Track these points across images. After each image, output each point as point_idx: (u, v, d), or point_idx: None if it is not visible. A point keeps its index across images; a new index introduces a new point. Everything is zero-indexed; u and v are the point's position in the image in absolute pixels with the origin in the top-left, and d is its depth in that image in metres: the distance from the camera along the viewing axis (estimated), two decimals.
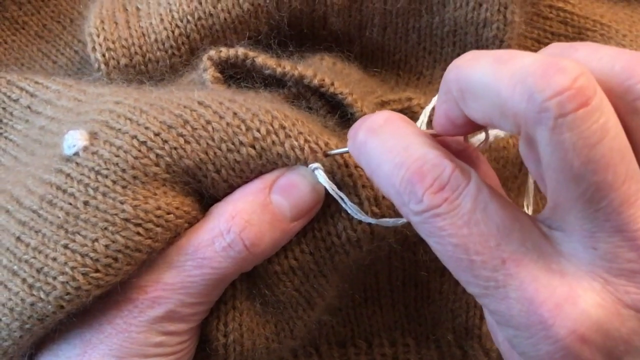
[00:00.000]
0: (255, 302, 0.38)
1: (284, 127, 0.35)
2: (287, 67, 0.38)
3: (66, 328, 0.35)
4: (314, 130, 0.35)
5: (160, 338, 0.34)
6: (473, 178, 0.29)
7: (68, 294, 0.33)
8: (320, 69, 0.40)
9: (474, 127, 0.32)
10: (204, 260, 0.34)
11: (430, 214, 0.28)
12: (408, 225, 0.36)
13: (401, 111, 0.40)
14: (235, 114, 0.35)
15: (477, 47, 0.45)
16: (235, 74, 0.40)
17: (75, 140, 0.35)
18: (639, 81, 0.27)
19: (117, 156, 0.34)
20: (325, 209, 0.36)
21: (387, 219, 0.35)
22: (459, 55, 0.45)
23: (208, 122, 0.35)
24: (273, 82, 0.40)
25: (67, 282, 0.33)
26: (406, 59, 0.47)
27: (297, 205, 0.35)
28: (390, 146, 0.31)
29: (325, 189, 0.35)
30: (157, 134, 0.35)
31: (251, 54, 0.39)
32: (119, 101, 0.37)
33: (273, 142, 0.35)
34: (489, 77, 0.28)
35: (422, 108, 0.39)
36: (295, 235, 0.36)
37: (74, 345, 0.35)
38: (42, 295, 0.33)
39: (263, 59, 0.39)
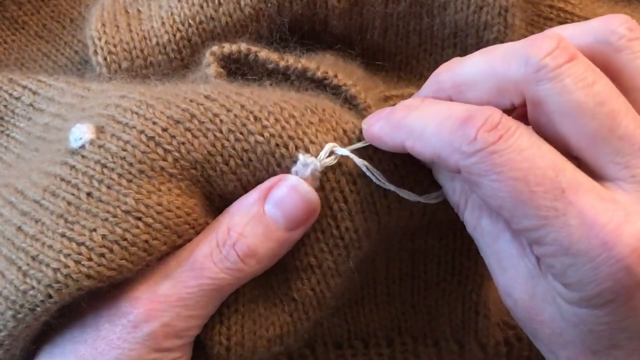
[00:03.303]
0: (258, 305, 0.38)
1: (293, 117, 0.35)
2: (290, 60, 0.38)
3: (63, 340, 0.35)
4: (324, 118, 0.36)
5: (153, 355, 0.34)
6: (521, 123, 0.31)
7: (57, 281, 0.32)
8: (323, 63, 0.40)
9: None
10: (202, 271, 0.34)
11: (488, 151, 0.30)
12: (413, 209, 0.37)
13: None
14: (242, 106, 0.35)
15: (478, 49, 0.45)
16: (237, 69, 0.40)
17: (81, 133, 0.35)
18: (619, 24, 0.32)
19: (124, 150, 0.34)
20: (342, 204, 0.36)
21: (406, 190, 0.36)
22: (460, 57, 0.45)
23: (216, 115, 0.35)
24: (275, 77, 0.40)
25: (58, 269, 0.32)
26: (407, 60, 0.47)
27: (290, 216, 0.35)
28: (433, 112, 0.33)
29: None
30: (164, 129, 0.35)
31: (254, 48, 0.39)
32: (124, 95, 0.37)
33: (283, 128, 0.35)
34: (482, 64, 0.33)
35: None
36: (314, 234, 0.37)
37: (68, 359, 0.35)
38: (34, 283, 0.33)
39: (266, 53, 0.39)
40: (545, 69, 0.30)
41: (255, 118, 0.35)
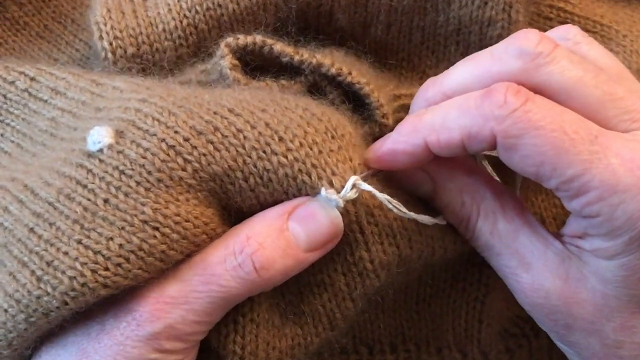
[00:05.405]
0: (275, 315, 0.37)
1: (316, 143, 0.35)
2: (305, 54, 0.39)
3: (65, 333, 0.35)
4: (342, 145, 0.36)
5: (154, 355, 0.34)
6: None
7: (73, 289, 0.32)
8: (337, 58, 0.40)
9: None
10: (212, 277, 0.34)
11: (522, 110, 0.32)
12: (435, 244, 0.38)
13: None
14: (267, 124, 0.35)
15: (481, 46, 0.45)
16: (251, 61, 0.40)
17: (100, 137, 0.34)
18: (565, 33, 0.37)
19: (143, 157, 0.34)
20: (358, 235, 0.36)
21: (424, 216, 0.36)
22: (462, 54, 0.46)
23: (239, 131, 0.34)
24: (289, 70, 0.40)
25: (74, 278, 0.32)
26: (409, 58, 0.48)
27: (313, 236, 0.35)
28: (448, 104, 0.34)
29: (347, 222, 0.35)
30: (186, 139, 0.34)
31: (269, 41, 0.39)
32: (145, 99, 0.36)
33: (306, 155, 0.34)
34: (471, 69, 0.35)
35: None
36: (330, 253, 0.36)
37: (70, 352, 0.34)
38: (49, 289, 0.32)
39: (281, 46, 0.39)
40: (542, 55, 0.33)
41: (280, 139, 0.34)
